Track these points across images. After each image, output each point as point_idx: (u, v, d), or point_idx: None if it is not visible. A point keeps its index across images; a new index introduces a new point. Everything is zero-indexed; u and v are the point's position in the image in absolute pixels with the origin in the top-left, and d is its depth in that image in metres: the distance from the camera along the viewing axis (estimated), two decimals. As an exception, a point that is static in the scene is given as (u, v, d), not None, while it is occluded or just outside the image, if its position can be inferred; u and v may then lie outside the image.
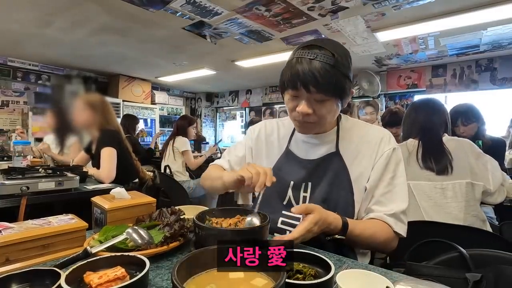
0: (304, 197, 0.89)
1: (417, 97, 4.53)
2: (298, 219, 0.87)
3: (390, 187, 0.84)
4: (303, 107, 0.79)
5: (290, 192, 0.91)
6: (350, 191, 0.85)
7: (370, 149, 0.87)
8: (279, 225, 0.89)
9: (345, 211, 0.84)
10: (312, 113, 0.80)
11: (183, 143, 3.20)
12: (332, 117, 0.85)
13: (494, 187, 1.35)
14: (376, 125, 0.96)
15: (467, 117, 2.18)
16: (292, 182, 0.91)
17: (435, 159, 1.41)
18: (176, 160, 3.20)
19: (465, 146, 1.43)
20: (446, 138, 1.46)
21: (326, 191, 0.86)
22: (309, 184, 0.89)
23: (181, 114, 6.79)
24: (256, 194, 0.78)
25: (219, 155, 4.12)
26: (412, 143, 1.51)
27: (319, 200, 0.85)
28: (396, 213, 0.82)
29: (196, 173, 3.32)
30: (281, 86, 0.84)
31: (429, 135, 1.48)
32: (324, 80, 0.74)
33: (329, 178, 0.87)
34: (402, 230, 0.82)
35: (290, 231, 0.87)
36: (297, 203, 0.90)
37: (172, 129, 6.21)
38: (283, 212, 0.91)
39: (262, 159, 1.02)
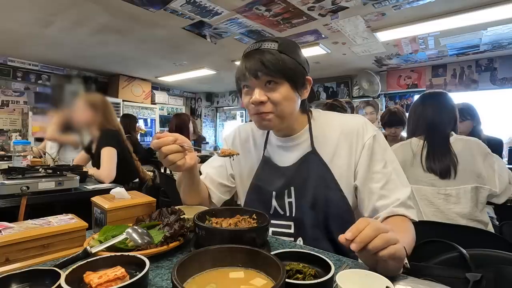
0: (290, 203, 0.86)
1: (417, 98, 4.53)
2: (288, 227, 0.86)
3: (386, 177, 0.80)
4: (255, 96, 0.77)
5: (274, 202, 0.88)
6: (338, 189, 0.81)
7: (348, 143, 0.83)
8: (270, 235, 0.87)
9: (340, 212, 0.81)
10: (266, 100, 0.77)
11: (186, 141, 3.16)
12: (290, 105, 0.80)
13: (500, 189, 1.29)
14: (350, 114, 0.93)
15: (461, 113, 2.18)
16: (274, 192, 0.88)
17: (439, 159, 1.33)
18: None
19: (473, 146, 1.34)
20: (454, 138, 1.37)
21: (313, 195, 0.82)
22: (292, 188, 0.86)
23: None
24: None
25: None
26: (417, 142, 1.43)
27: (308, 207, 0.83)
28: (403, 201, 0.77)
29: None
30: (237, 86, 0.85)
31: (435, 134, 1.39)
32: (269, 62, 0.75)
33: (311, 181, 0.83)
34: (414, 215, 0.78)
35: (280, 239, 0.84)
36: (283, 210, 0.87)
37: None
38: (272, 221, 0.88)
39: (241, 167, 0.99)
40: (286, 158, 0.89)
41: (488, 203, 1.44)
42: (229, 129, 6.89)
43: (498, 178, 1.30)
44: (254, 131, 1.00)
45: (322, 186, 0.82)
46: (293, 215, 0.86)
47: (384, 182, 0.80)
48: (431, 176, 1.35)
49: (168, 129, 3.50)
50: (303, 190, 0.84)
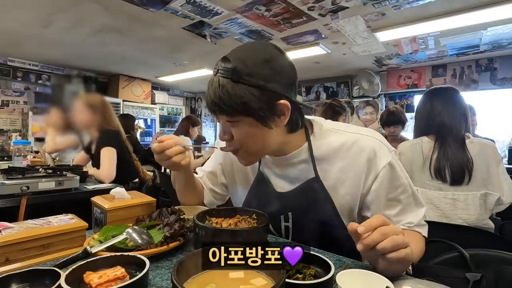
0: (286, 227, 0.81)
1: (417, 97, 4.54)
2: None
3: (402, 204, 0.73)
4: (219, 133, 0.73)
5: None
6: (338, 219, 0.74)
7: (354, 170, 0.72)
8: None
9: (339, 240, 0.74)
10: (228, 139, 0.71)
11: (184, 142, 3.19)
12: (259, 142, 0.69)
13: (507, 198, 1.24)
14: (359, 131, 0.77)
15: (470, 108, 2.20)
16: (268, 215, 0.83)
17: (452, 167, 1.25)
18: None
19: (489, 151, 1.27)
20: (470, 140, 1.29)
21: (314, 224, 0.76)
22: (289, 214, 0.79)
23: (185, 115, 6.80)
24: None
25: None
26: (429, 144, 1.33)
27: (307, 234, 0.78)
28: (417, 223, 0.73)
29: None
30: None
31: (448, 135, 1.29)
32: (220, 98, 0.63)
33: (312, 210, 0.76)
34: (425, 232, 0.74)
35: (280, 239, 0.82)
36: (279, 233, 0.83)
37: (171, 129, 6.26)
38: None
39: (234, 175, 0.92)
40: (283, 181, 0.80)
41: None
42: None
43: (508, 188, 1.24)
44: None
45: (324, 215, 0.75)
46: (289, 238, 0.81)
47: (400, 208, 0.73)
48: (439, 182, 1.28)
49: (175, 129, 3.60)
50: (303, 218, 0.78)
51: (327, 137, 0.76)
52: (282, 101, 0.66)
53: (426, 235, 0.74)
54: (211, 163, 0.99)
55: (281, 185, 0.81)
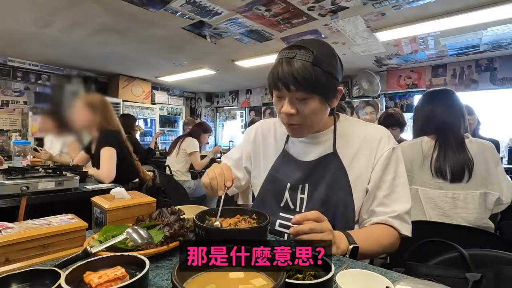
0: (302, 199, 0.88)
1: (417, 97, 4.54)
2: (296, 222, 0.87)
3: (392, 188, 0.83)
4: (285, 107, 0.78)
5: (287, 194, 0.90)
6: (349, 192, 0.84)
7: (369, 149, 0.86)
8: (277, 227, 0.89)
9: (345, 213, 0.83)
10: (295, 113, 0.79)
11: (191, 144, 3.21)
12: (319, 117, 0.83)
13: (506, 198, 1.24)
14: (375, 124, 0.94)
15: (467, 107, 2.20)
16: (288, 184, 0.90)
17: (452, 165, 1.26)
18: (180, 160, 3.20)
19: (488, 151, 1.29)
20: (469, 140, 1.31)
21: (325, 194, 0.85)
22: (306, 185, 0.88)
23: (185, 114, 6.82)
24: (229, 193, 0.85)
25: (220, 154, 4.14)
26: (428, 144, 1.35)
27: (318, 203, 0.85)
28: (400, 214, 0.81)
29: (201, 173, 3.33)
30: (269, 88, 0.85)
31: (448, 135, 1.32)
32: (303, 77, 0.73)
33: (327, 180, 0.86)
34: (408, 231, 0.82)
35: (288, 234, 0.86)
36: (294, 205, 0.89)
37: (171, 129, 6.29)
38: (281, 214, 0.90)
39: (260, 161, 1.01)
40: (306, 153, 0.91)
41: None
42: (230, 129, 6.80)
43: (507, 188, 1.25)
44: (276, 125, 1.03)
45: (336, 187, 0.84)
46: (303, 211, 0.87)
47: (388, 192, 0.83)
48: (439, 180, 1.30)
49: (175, 129, 3.65)
50: (317, 188, 0.86)
51: (350, 125, 0.92)
52: (340, 87, 0.83)
53: (405, 232, 0.82)
54: (238, 150, 1.10)
55: (303, 158, 0.92)
